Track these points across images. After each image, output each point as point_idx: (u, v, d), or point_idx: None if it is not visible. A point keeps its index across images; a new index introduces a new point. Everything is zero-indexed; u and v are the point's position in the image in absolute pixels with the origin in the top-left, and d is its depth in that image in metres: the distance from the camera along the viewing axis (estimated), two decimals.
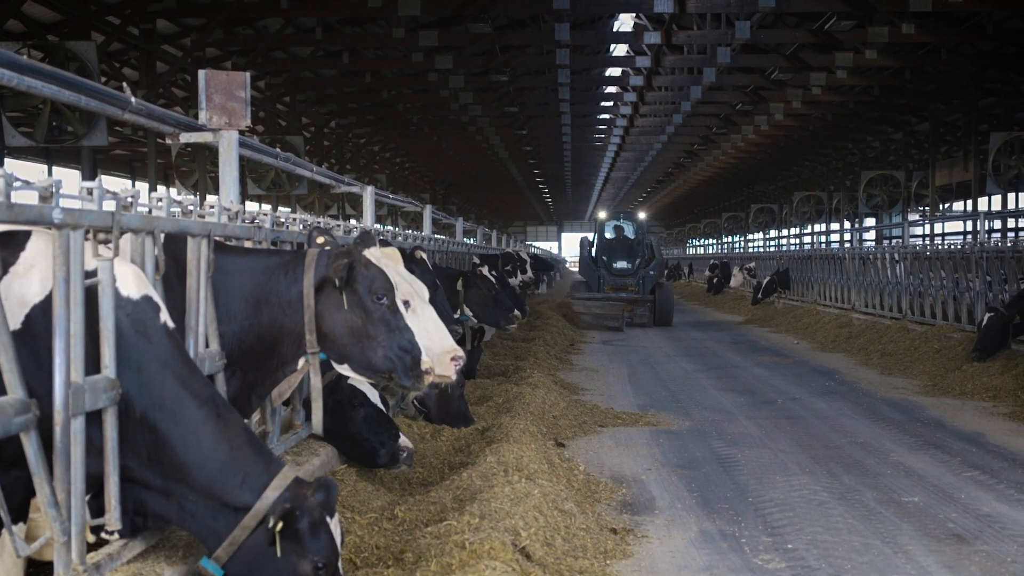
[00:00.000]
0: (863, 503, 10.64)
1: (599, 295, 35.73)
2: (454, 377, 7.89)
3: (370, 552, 7.64)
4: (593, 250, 38.10)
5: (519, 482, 8.96)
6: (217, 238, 7.21)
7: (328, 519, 5.63)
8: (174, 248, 6.79)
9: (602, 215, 39.53)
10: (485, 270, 17.98)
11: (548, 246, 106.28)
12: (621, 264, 37.13)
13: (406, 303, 7.53)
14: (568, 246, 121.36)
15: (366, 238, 7.70)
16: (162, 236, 6.41)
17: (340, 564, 5.69)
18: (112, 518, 5.53)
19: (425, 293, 7.94)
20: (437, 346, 7.75)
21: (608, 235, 38.38)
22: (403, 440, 9.74)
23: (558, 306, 33.88)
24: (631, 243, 37.81)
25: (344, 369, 7.42)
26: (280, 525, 5.45)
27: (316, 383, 7.61)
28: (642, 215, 40.09)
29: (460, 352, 7.90)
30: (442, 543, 7.30)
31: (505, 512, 8.03)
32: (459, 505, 8.60)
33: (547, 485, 9.18)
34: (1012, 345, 19.18)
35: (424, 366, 7.34)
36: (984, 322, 19.59)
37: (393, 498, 9.09)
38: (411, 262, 11.94)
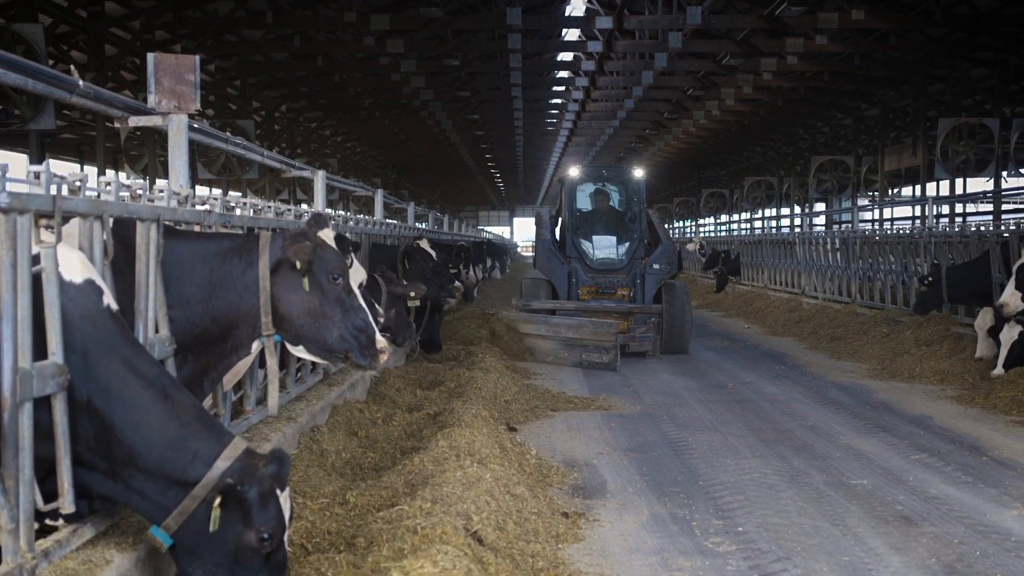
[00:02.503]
0: (813, 486, 10.73)
1: (570, 305, 21.99)
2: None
3: (322, 537, 7.63)
4: (558, 230, 24.34)
5: (471, 467, 8.96)
6: (167, 223, 7.15)
7: (279, 491, 5.60)
8: (124, 233, 6.73)
9: (573, 173, 24.35)
10: (425, 244, 18.31)
11: (500, 231, 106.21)
12: (605, 252, 23.29)
13: (360, 287, 7.70)
14: (521, 230, 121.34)
15: (319, 220, 7.68)
16: (111, 221, 6.35)
17: (287, 538, 5.66)
18: (66, 501, 5.49)
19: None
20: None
21: (583, 205, 24.48)
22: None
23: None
24: (620, 218, 24.01)
25: (300, 351, 7.47)
26: (220, 499, 5.41)
27: (272, 365, 7.58)
28: (638, 172, 24.46)
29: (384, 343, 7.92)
30: (394, 528, 7.29)
31: (457, 497, 8.03)
32: (411, 490, 8.59)
33: (499, 469, 9.18)
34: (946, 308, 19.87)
35: (379, 344, 7.44)
36: (920, 280, 20.31)
37: (345, 483, 9.07)
38: (413, 251, 14.26)
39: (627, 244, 23.43)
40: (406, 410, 12.63)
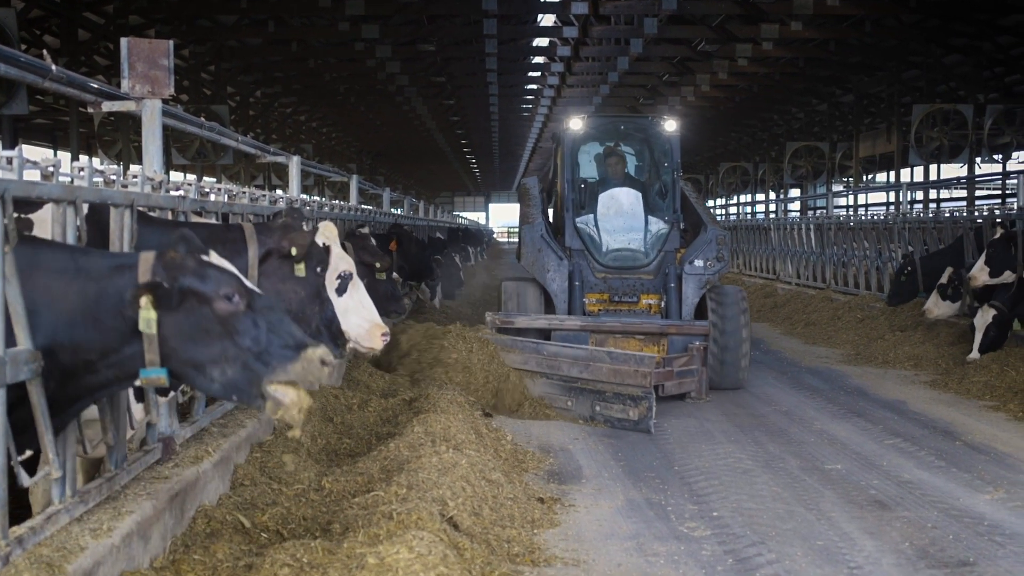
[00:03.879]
0: (787, 471, 10.77)
1: (573, 323, 15.55)
2: (379, 348, 8.76)
3: (297, 523, 7.63)
4: (551, 212, 18.08)
5: (446, 452, 8.96)
6: (141, 208, 7.12)
7: (204, 257, 5.53)
8: (100, 219, 6.69)
9: (575, 126, 17.13)
10: (366, 230, 18.05)
11: (476, 216, 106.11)
12: (623, 242, 16.66)
13: (347, 275, 7.97)
14: (498, 216, 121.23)
15: (295, 214, 7.76)
16: (84, 207, 6.31)
17: (243, 281, 5.54)
18: (53, 468, 5.58)
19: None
20: (367, 321, 8.53)
21: (589, 173, 17.62)
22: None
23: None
24: (643, 191, 17.01)
25: None
26: (149, 299, 5.31)
27: None
28: (670, 124, 17.07)
29: (386, 328, 8.72)
30: (369, 514, 7.29)
31: (432, 482, 8.03)
32: (386, 476, 8.59)
33: (474, 455, 9.18)
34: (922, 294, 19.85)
35: (364, 348, 8.31)
36: (896, 270, 20.19)
37: (320, 469, 9.06)
38: (352, 237, 12.59)
39: (654, 230, 16.53)
40: (381, 396, 12.61)
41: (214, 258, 5.58)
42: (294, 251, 7.28)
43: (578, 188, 16.79)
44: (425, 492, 7.78)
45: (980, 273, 16.14)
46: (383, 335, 8.66)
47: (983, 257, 16.20)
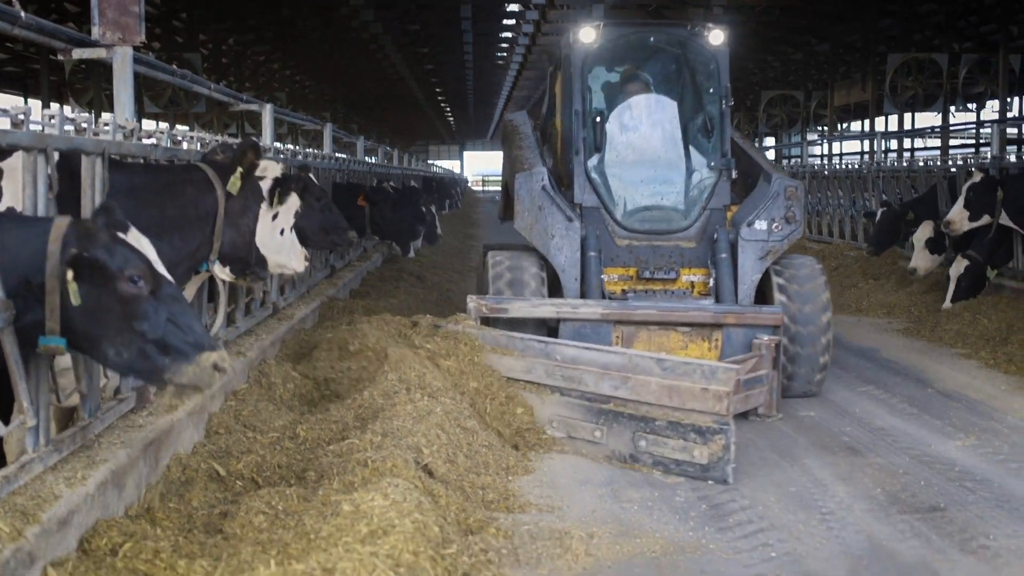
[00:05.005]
0: (760, 418, 10.82)
1: (591, 311, 11.40)
2: (301, 270, 8.84)
3: (272, 471, 7.64)
4: (556, 156, 13.81)
5: (421, 400, 8.95)
6: (113, 156, 7.08)
7: (121, 234, 5.49)
8: (72, 167, 6.65)
9: (586, 38, 12.62)
10: (311, 176, 17.70)
11: (450, 164, 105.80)
12: (653, 196, 12.84)
13: (297, 214, 8.27)
14: (472, 165, 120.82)
15: (254, 146, 7.92)
16: (55, 155, 6.26)
17: (156, 267, 5.50)
18: (28, 416, 5.64)
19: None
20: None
21: (603, 104, 13.28)
22: None
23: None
24: (679, 128, 12.96)
25: (224, 272, 8.03)
26: (72, 273, 5.28)
27: (222, 288, 8.52)
28: (716, 35, 12.76)
29: (306, 252, 8.76)
30: (344, 461, 7.30)
31: (407, 430, 8.04)
32: (361, 424, 8.59)
33: (449, 403, 9.17)
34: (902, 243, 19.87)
35: (297, 271, 8.66)
36: (878, 217, 20.09)
37: (295, 417, 9.06)
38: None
39: (695, 179, 12.77)
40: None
41: (132, 236, 5.51)
42: (239, 171, 7.51)
43: (592, 123, 12.54)
44: (400, 440, 7.79)
45: (959, 217, 16.12)
46: (305, 257, 8.73)
47: (961, 201, 16.16)
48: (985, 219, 16.07)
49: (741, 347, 11.19)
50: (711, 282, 12.06)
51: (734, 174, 12.70)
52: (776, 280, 12.02)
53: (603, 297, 11.90)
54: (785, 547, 7.35)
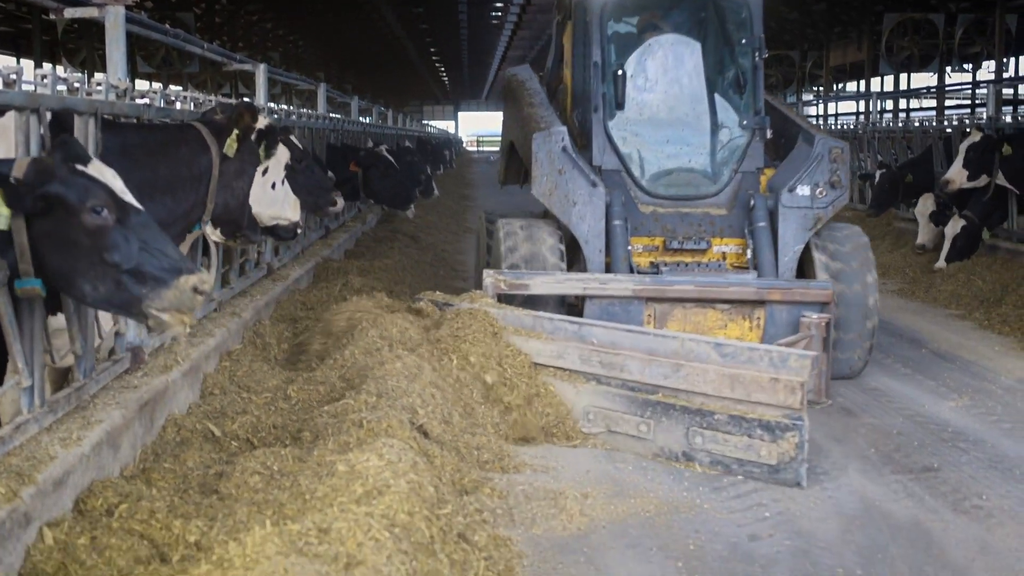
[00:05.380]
0: None
1: (621, 285, 10.46)
2: (298, 219, 8.68)
3: (267, 432, 7.64)
4: (565, 113, 12.63)
5: (407, 357, 8.83)
6: (106, 116, 7.04)
7: (80, 166, 5.38)
8: (65, 127, 6.62)
9: None
10: (384, 150, 17.48)
11: (445, 125, 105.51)
12: (678, 158, 11.78)
13: (288, 166, 8.24)
14: (467, 125, 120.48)
15: (252, 109, 7.82)
16: (48, 114, 6.23)
17: (121, 195, 5.40)
18: (23, 377, 5.63)
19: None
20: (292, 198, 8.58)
21: (623, 57, 11.81)
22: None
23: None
24: (707, 83, 11.91)
25: (215, 233, 7.90)
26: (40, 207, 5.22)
27: (213, 249, 8.32)
28: None
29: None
30: (339, 422, 7.30)
31: (402, 391, 8.03)
32: (347, 383, 8.56)
33: (438, 362, 9.09)
34: (901, 205, 19.82)
35: (291, 222, 8.46)
36: (876, 179, 20.09)
37: (288, 376, 9.05)
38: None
39: (725, 139, 11.80)
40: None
41: (94, 168, 5.44)
42: (235, 132, 7.43)
43: (612, 78, 11.44)
44: (395, 400, 7.78)
45: (958, 176, 16.07)
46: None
47: (960, 160, 16.12)
48: (983, 179, 16.05)
49: (786, 326, 10.25)
50: (748, 254, 11.07)
51: (768, 133, 11.73)
52: (817, 253, 11.02)
53: (631, 271, 10.81)
54: (779, 507, 7.38)
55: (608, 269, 10.87)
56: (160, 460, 6.71)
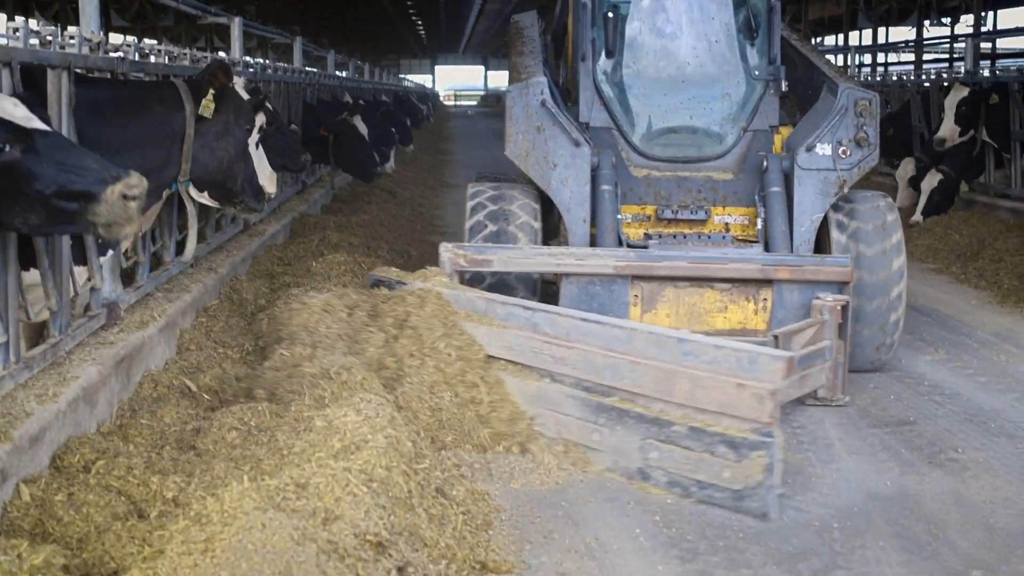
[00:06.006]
0: None
1: (601, 261, 8.95)
2: (273, 191, 8.35)
3: (235, 388, 7.58)
4: (562, 71, 11.89)
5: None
6: (78, 70, 6.97)
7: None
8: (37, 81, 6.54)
9: None
10: (358, 120, 17.16)
11: (422, 79, 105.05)
12: (680, 116, 10.35)
13: (262, 128, 8.16)
14: (444, 79, 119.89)
15: (227, 69, 7.71)
16: (18, 68, 6.15)
17: (24, 123, 5.29)
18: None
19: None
20: (268, 170, 8.27)
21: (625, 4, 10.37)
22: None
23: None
24: (715, 32, 10.33)
25: (203, 196, 7.80)
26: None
27: (192, 209, 8.12)
28: None
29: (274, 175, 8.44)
30: (315, 377, 7.28)
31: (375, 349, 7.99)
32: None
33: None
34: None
35: (268, 190, 8.13)
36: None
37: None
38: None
39: (734, 92, 10.36)
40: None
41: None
42: (211, 92, 7.31)
43: (603, 20, 10.17)
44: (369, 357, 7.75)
45: (951, 133, 16.08)
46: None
47: (951, 116, 16.09)
48: (970, 134, 16.11)
49: (797, 309, 8.83)
50: (759, 224, 9.58)
51: (784, 86, 10.25)
52: (834, 224, 9.50)
53: (620, 244, 9.40)
54: None
55: (594, 242, 9.51)
56: (137, 416, 6.69)
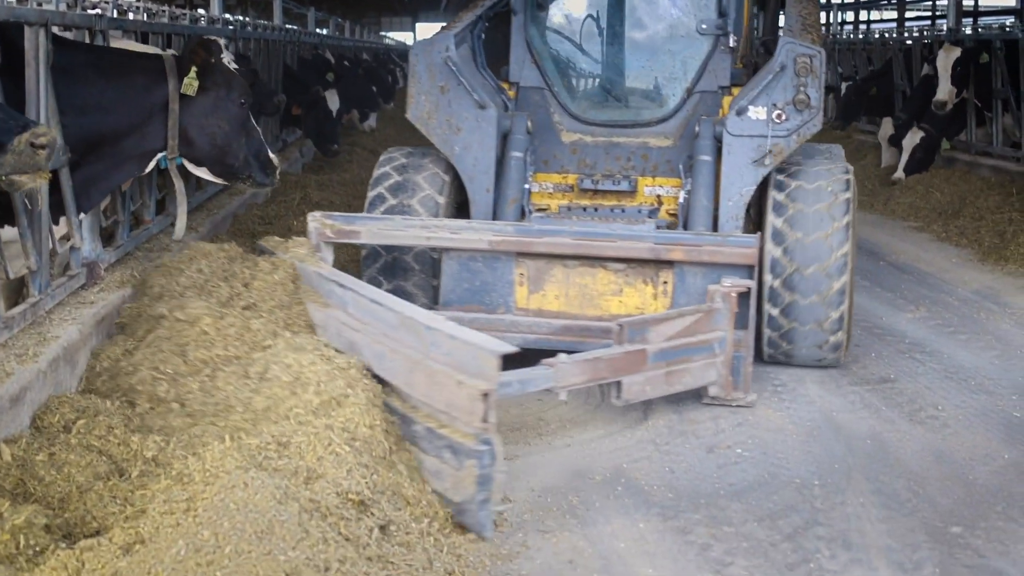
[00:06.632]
0: None
1: (477, 236, 7.99)
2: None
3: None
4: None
5: None
6: (56, 28, 6.90)
7: None
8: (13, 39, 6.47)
9: None
10: (331, 94, 16.87)
11: (403, 37, 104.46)
12: (613, 72, 9.71)
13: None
14: (425, 37, 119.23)
15: (216, 46, 7.59)
16: None
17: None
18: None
19: None
20: None
21: None
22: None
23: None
24: None
25: (203, 172, 7.60)
26: None
27: (180, 187, 7.81)
28: None
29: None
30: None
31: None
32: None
33: None
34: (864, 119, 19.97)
35: (276, 163, 7.77)
36: (843, 91, 20.19)
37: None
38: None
39: (679, 50, 9.39)
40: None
41: None
42: (193, 70, 7.16)
43: None
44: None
45: (950, 96, 16.05)
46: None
47: (947, 78, 16.05)
48: (964, 93, 16.14)
49: (701, 294, 7.72)
50: (681, 197, 8.69)
51: (732, 41, 9.03)
52: (772, 197, 8.40)
53: (524, 216, 8.68)
54: (736, 419, 7.41)
55: (497, 214, 8.72)
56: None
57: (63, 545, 4.56)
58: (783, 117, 8.44)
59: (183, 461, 5.15)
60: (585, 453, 6.82)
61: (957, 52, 16.01)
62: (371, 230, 8.01)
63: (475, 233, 8.00)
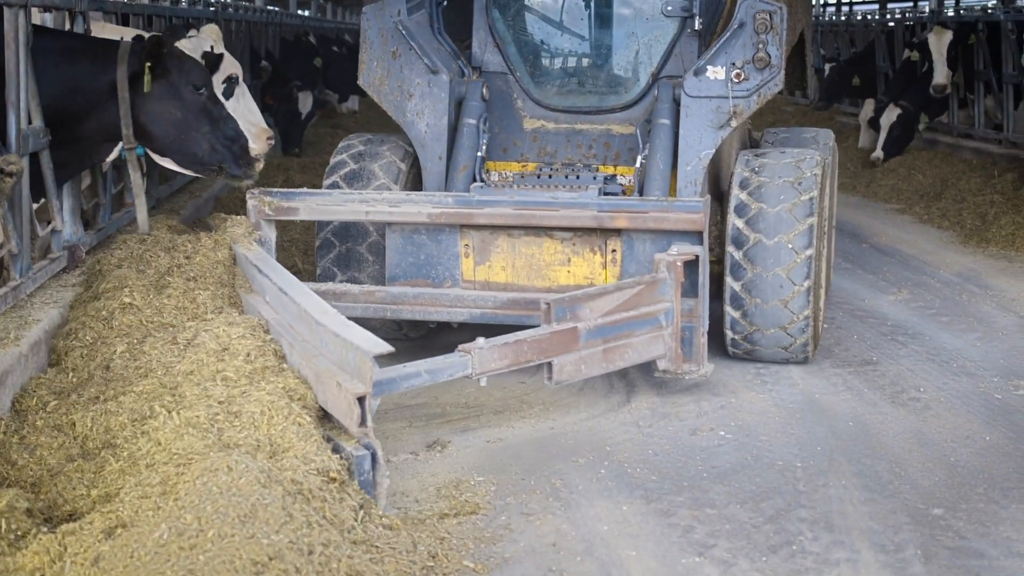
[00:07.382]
0: None
1: (417, 208, 7.76)
2: (264, 151, 8.21)
3: None
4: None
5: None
6: (35, 8, 6.86)
7: None
8: None
9: None
10: (304, 96, 16.80)
11: None
12: (576, 56, 9.22)
13: (232, 79, 7.72)
14: None
15: (175, 30, 7.52)
16: None
17: None
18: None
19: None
20: (253, 126, 8.11)
21: None
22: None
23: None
24: None
25: (168, 163, 7.37)
26: None
27: (136, 179, 7.59)
28: None
29: (270, 131, 8.43)
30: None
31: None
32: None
33: None
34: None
35: (253, 153, 7.46)
36: (827, 72, 20.23)
37: None
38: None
39: (643, 32, 8.82)
40: None
41: None
42: (148, 65, 6.94)
43: None
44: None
45: (947, 79, 16.07)
46: (268, 139, 8.45)
47: (943, 62, 16.06)
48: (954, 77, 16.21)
49: (651, 262, 7.42)
50: (638, 162, 8.28)
51: (698, 23, 8.46)
52: (738, 168, 8.12)
53: (478, 187, 8.21)
54: (719, 401, 7.43)
55: (449, 185, 8.38)
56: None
57: (44, 529, 4.55)
58: (742, 76, 8.05)
59: (134, 443, 5.12)
60: (568, 436, 6.82)
61: (949, 35, 16.03)
62: (310, 206, 7.79)
63: (414, 206, 7.73)
